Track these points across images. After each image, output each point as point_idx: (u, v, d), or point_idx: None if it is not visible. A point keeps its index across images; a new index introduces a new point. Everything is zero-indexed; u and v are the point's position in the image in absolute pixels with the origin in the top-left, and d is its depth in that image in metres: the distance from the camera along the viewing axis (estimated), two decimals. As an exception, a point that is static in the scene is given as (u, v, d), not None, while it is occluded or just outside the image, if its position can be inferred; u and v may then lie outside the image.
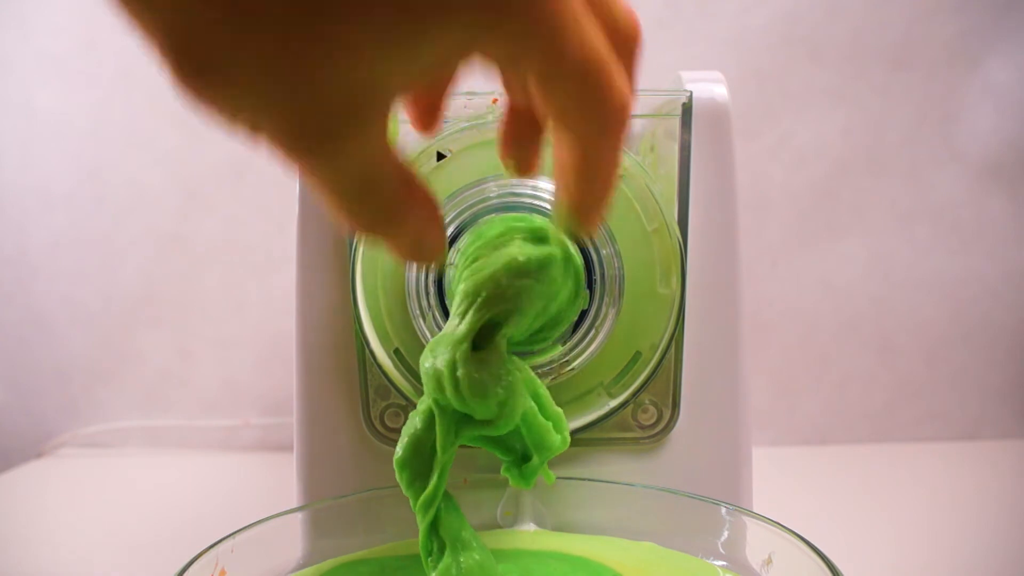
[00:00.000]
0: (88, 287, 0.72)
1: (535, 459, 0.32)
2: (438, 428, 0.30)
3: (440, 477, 0.30)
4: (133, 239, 0.72)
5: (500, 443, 0.32)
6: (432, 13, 0.19)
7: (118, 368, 0.73)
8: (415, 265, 0.36)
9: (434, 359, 0.30)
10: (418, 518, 0.31)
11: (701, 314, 0.39)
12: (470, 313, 0.30)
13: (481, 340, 0.30)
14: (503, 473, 0.33)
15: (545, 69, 0.22)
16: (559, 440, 0.32)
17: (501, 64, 0.22)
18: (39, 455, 0.72)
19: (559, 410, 0.33)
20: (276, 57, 0.18)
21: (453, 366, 0.29)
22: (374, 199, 0.23)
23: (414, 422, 0.31)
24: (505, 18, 0.20)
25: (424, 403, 0.31)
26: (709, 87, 0.39)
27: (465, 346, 0.29)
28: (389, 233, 0.25)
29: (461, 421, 0.30)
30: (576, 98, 0.24)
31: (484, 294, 0.29)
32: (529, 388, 0.32)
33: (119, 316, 0.72)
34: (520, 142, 0.28)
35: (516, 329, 0.31)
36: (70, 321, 0.73)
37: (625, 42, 0.26)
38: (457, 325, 0.30)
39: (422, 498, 0.30)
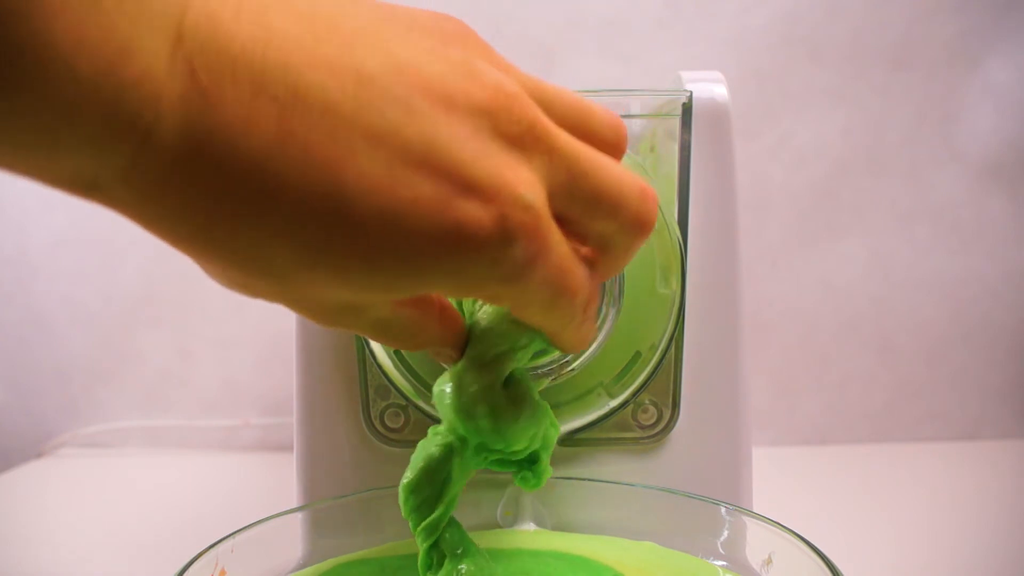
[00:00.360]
0: (88, 287, 0.72)
1: (542, 458, 0.31)
2: (457, 460, 0.29)
3: (448, 506, 0.30)
4: (133, 239, 0.72)
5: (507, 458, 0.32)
6: (432, 277, 0.23)
7: (118, 368, 0.73)
8: None
9: (459, 391, 0.29)
10: (418, 540, 0.30)
11: (701, 314, 0.39)
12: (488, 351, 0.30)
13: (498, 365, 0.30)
14: (516, 483, 0.32)
15: (519, 304, 0.25)
16: (554, 431, 0.32)
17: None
18: (39, 455, 0.72)
19: (543, 401, 0.32)
20: (287, 291, 0.24)
21: (483, 398, 0.29)
22: (393, 333, 0.28)
23: (430, 450, 0.30)
24: (504, 287, 0.24)
25: (445, 436, 0.30)
26: (709, 87, 0.39)
27: (492, 378, 0.29)
28: (412, 348, 0.29)
29: (481, 450, 0.30)
30: (544, 315, 0.26)
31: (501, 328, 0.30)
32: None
33: (119, 316, 0.72)
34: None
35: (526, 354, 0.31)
36: (70, 321, 0.73)
37: (613, 151, 0.27)
38: (475, 360, 0.29)
39: (426, 523, 0.30)
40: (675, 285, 0.38)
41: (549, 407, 0.31)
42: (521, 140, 0.23)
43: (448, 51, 0.23)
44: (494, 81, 0.23)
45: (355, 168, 0.21)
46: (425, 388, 0.38)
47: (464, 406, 0.29)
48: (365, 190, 0.21)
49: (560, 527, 0.37)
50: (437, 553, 0.30)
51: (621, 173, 0.26)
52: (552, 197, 0.24)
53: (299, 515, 0.36)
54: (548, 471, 0.32)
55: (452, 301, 0.35)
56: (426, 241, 0.22)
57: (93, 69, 0.18)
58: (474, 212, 0.22)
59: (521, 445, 0.29)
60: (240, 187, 0.20)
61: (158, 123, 0.19)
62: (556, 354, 0.36)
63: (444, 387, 0.29)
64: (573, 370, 0.37)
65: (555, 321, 0.26)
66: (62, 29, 0.17)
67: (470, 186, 0.22)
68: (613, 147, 0.27)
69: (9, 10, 0.17)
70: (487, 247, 0.22)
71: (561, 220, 0.25)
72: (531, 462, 0.31)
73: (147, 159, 0.20)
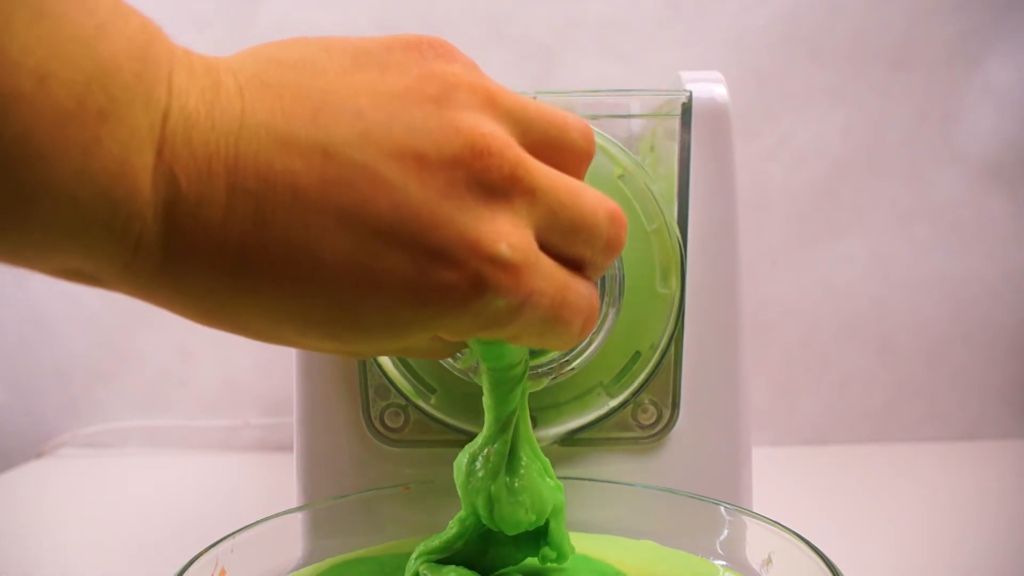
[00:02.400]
0: (88, 287, 0.72)
1: (552, 528, 0.31)
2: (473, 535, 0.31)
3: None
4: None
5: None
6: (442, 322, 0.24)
7: (118, 368, 0.73)
8: None
9: (467, 476, 0.30)
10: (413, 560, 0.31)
11: (701, 314, 0.39)
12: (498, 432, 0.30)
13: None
14: (540, 563, 0.32)
15: (514, 338, 0.26)
16: (560, 492, 0.32)
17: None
18: (39, 455, 0.72)
19: (547, 482, 0.32)
20: (299, 346, 0.25)
21: (483, 488, 0.30)
22: (431, 352, 0.30)
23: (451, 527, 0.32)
24: (496, 331, 0.25)
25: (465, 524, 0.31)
26: (709, 87, 0.39)
27: (498, 462, 0.30)
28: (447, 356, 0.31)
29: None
30: (541, 341, 0.27)
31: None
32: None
33: (119, 316, 0.72)
34: None
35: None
36: (70, 321, 0.73)
37: (585, 158, 0.28)
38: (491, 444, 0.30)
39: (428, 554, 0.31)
40: (675, 285, 0.38)
41: (550, 471, 0.32)
42: (501, 187, 0.23)
43: (422, 97, 0.23)
44: (467, 128, 0.23)
45: (329, 247, 0.22)
46: (425, 388, 0.39)
47: (467, 494, 0.30)
48: (340, 267, 0.22)
49: (560, 527, 0.37)
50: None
51: (594, 199, 0.26)
52: (536, 231, 0.25)
53: (299, 515, 0.36)
54: (565, 541, 0.32)
55: None
56: (407, 307, 0.23)
57: (90, 193, 0.19)
58: (449, 276, 0.23)
59: (519, 530, 0.30)
60: (225, 276, 0.22)
61: (146, 231, 0.21)
62: (556, 353, 0.36)
63: (461, 460, 0.31)
64: (573, 369, 0.37)
65: (553, 343, 0.27)
66: (65, 169, 0.19)
67: (442, 252, 0.22)
68: (585, 154, 0.27)
69: (21, 159, 0.18)
70: (468, 304, 0.23)
71: (542, 248, 0.25)
72: (542, 534, 0.32)
73: (139, 262, 0.21)
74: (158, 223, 0.21)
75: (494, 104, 0.25)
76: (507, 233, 0.23)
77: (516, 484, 0.30)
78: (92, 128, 0.19)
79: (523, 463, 0.31)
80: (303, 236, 0.22)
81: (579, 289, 0.26)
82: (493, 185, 0.23)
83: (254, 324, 0.23)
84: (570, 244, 0.26)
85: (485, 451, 0.30)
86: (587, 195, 0.26)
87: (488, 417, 0.31)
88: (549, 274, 0.25)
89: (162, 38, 0.21)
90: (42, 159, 0.18)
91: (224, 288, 0.22)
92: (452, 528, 0.31)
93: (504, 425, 0.30)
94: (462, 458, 0.31)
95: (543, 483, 0.31)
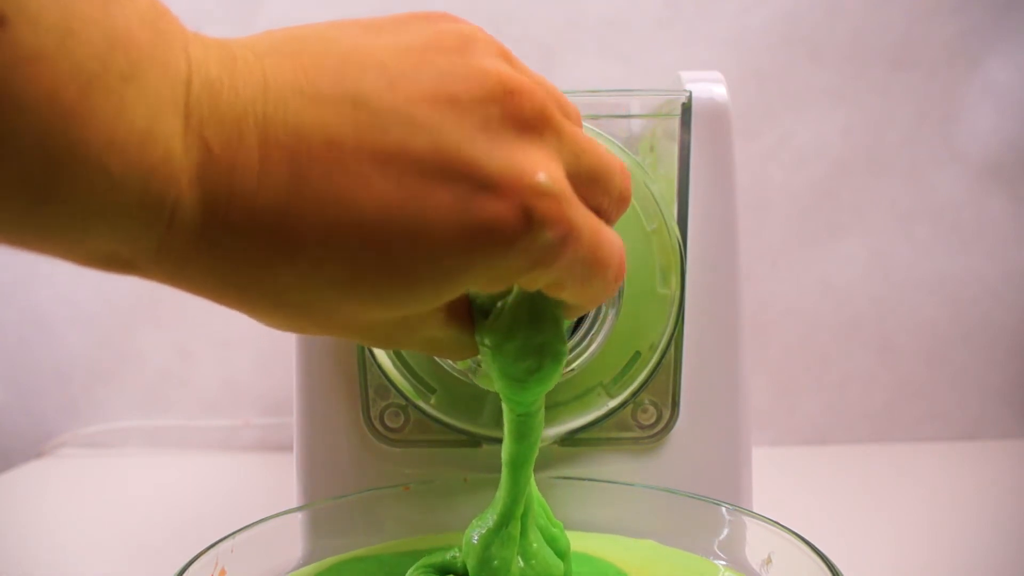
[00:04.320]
0: (88, 287, 0.72)
1: None
2: None
3: None
4: (133, 239, 0.72)
5: None
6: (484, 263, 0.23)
7: (118, 368, 0.73)
8: None
9: (480, 560, 0.30)
10: None
11: (701, 314, 0.39)
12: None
13: None
14: None
15: (556, 284, 0.25)
16: (567, 559, 0.32)
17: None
18: (39, 455, 0.72)
19: (553, 563, 0.32)
20: (333, 324, 0.24)
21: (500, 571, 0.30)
22: (445, 348, 0.28)
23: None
24: (541, 272, 0.24)
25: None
26: (709, 87, 0.39)
27: (511, 551, 0.30)
28: (462, 358, 0.30)
29: None
30: (581, 290, 0.26)
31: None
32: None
33: (119, 316, 0.72)
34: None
35: None
36: (70, 321, 0.73)
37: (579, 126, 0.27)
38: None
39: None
40: (675, 285, 0.38)
41: (551, 519, 0.32)
42: (533, 123, 0.23)
43: (442, 48, 0.23)
44: (495, 69, 0.23)
45: (370, 193, 0.21)
46: (425, 388, 0.39)
47: (475, 568, 0.30)
48: (384, 212, 0.21)
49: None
50: None
51: (605, 150, 0.26)
52: (565, 171, 0.24)
53: (299, 515, 0.36)
54: None
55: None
56: (455, 246, 0.22)
57: (122, 162, 0.19)
58: (496, 208, 0.22)
59: None
60: (264, 241, 0.21)
61: (180, 200, 0.20)
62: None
63: (472, 535, 0.31)
64: (573, 370, 0.37)
65: (591, 292, 0.26)
66: (94, 134, 0.18)
67: (487, 183, 0.22)
68: (579, 123, 0.27)
69: (49, 124, 0.17)
70: (516, 239, 0.22)
71: None
72: None
73: (174, 237, 0.20)
74: (192, 191, 0.20)
75: (508, 57, 0.25)
76: (544, 165, 0.23)
77: (528, 570, 0.30)
78: (117, 92, 0.18)
79: (534, 548, 0.31)
80: (343, 184, 0.21)
81: (609, 232, 0.26)
82: (526, 121, 0.23)
83: (292, 293, 0.22)
84: (591, 191, 0.26)
85: (498, 538, 0.30)
86: (600, 146, 0.26)
87: (504, 473, 0.30)
88: (584, 212, 0.24)
89: (172, 16, 0.21)
90: (71, 123, 0.18)
91: (263, 254, 0.21)
92: (455, 555, 0.32)
93: (516, 497, 0.30)
94: (472, 535, 0.31)
95: (553, 564, 0.31)
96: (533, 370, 0.28)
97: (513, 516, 0.30)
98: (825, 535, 0.33)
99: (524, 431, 0.29)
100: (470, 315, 0.28)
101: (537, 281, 0.25)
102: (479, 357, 0.29)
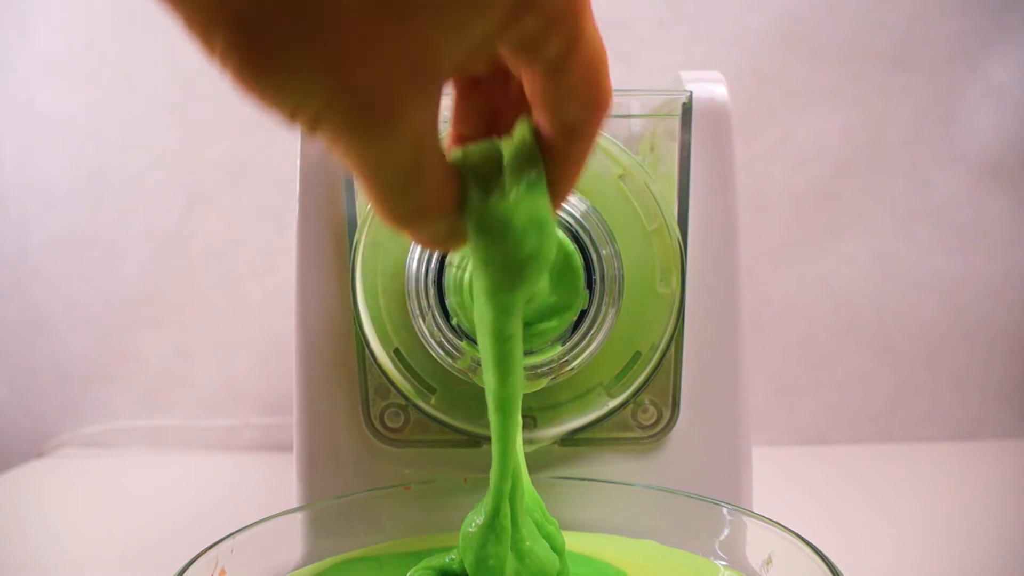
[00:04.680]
0: (88, 287, 0.72)
1: None
2: None
3: None
4: (133, 239, 0.72)
5: None
6: None
7: (118, 368, 0.73)
8: (418, 255, 0.36)
9: (478, 554, 0.30)
10: None
11: (701, 314, 0.39)
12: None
13: None
14: None
15: (564, 50, 0.24)
16: (561, 556, 0.32)
17: (524, 48, 0.23)
18: (39, 455, 0.72)
19: (553, 520, 0.33)
20: (344, 34, 0.19)
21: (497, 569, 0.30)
22: (416, 193, 0.24)
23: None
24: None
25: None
26: (709, 87, 0.39)
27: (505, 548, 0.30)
28: (421, 226, 0.25)
29: None
30: (580, 83, 0.25)
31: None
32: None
33: (119, 316, 0.72)
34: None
35: None
36: (70, 321, 0.73)
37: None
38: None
39: None
40: (675, 285, 0.38)
41: (546, 514, 0.32)
42: None
43: None
44: None
45: None
46: (425, 388, 0.39)
47: (471, 566, 0.30)
48: None
49: (560, 527, 0.37)
50: None
51: None
52: None
53: (299, 515, 0.36)
54: None
55: (438, 303, 0.35)
56: None
57: None
58: None
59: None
60: None
61: None
62: (555, 353, 0.36)
63: (470, 526, 0.30)
64: (573, 369, 0.37)
65: (582, 141, 0.26)
66: None
67: None
68: None
69: None
70: None
71: None
72: None
73: None
74: None
75: None
76: None
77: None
78: None
79: (527, 545, 0.31)
80: None
81: (597, 37, 0.25)
82: None
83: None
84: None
85: (492, 534, 0.30)
86: None
87: (496, 447, 0.30)
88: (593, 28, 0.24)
89: None
90: None
91: None
92: (453, 558, 0.32)
93: (503, 471, 0.30)
94: (467, 528, 0.31)
95: (547, 558, 0.31)
96: (534, 252, 0.26)
97: (502, 493, 0.30)
98: (825, 535, 0.33)
99: (507, 364, 0.28)
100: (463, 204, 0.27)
101: (553, 68, 0.24)
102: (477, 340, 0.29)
